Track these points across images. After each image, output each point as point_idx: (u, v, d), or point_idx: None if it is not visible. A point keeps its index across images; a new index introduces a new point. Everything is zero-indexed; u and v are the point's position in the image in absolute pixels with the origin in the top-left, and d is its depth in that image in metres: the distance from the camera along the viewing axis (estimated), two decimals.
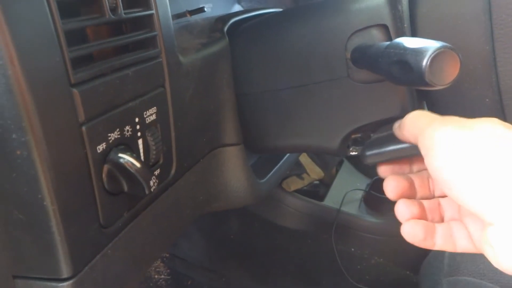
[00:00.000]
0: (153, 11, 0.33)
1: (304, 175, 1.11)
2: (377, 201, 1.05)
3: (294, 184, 1.08)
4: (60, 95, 0.25)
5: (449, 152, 0.28)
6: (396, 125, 0.40)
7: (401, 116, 0.43)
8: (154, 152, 0.34)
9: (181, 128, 0.39)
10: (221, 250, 1.13)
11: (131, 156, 0.29)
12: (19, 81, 0.23)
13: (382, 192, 1.02)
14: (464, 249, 0.35)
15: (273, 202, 1.06)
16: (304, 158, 1.10)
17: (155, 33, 0.33)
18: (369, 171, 1.22)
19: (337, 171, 1.21)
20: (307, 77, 0.44)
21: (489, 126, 0.29)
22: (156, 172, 0.36)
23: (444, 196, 0.38)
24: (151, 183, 0.30)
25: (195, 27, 0.48)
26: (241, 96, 0.49)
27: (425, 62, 0.27)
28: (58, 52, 0.25)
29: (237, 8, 0.74)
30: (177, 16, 0.48)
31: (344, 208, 1.06)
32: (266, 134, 0.49)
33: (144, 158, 0.33)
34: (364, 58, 0.38)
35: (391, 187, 0.37)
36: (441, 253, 0.72)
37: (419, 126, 0.33)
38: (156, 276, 1.17)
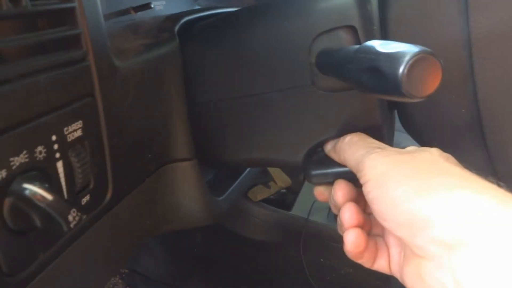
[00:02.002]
0: (75, 4, 0.27)
1: (271, 183, 1.07)
2: None
3: (261, 193, 1.03)
4: None
5: (388, 185, 0.28)
6: (329, 146, 0.38)
7: (373, 127, 0.39)
8: (80, 176, 0.28)
9: (119, 145, 0.33)
10: (184, 265, 1.06)
11: (40, 186, 0.23)
12: None
13: None
14: (381, 268, 0.34)
15: (239, 213, 1.01)
16: None
17: (78, 30, 0.27)
18: None
19: (304, 178, 1.17)
20: (268, 84, 0.40)
21: (428, 155, 0.29)
22: (85, 199, 0.29)
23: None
24: (70, 217, 0.24)
25: (141, 26, 0.42)
26: (194, 105, 0.43)
27: (401, 69, 0.23)
28: None
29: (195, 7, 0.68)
30: (119, 13, 0.41)
31: (313, 217, 1.02)
32: (223, 148, 0.44)
33: (66, 184, 0.27)
34: (331, 63, 0.34)
35: (341, 192, 0.36)
36: None
37: (357, 154, 0.32)
38: None
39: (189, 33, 0.44)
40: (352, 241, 0.33)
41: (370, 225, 0.36)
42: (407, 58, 0.23)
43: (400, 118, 0.44)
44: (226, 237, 1.03)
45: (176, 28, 0.43)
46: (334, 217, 1.17)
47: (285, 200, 1.07)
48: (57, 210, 0.23)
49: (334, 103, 0.38)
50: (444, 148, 0.41)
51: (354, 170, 0.33)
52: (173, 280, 1.07)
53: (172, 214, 0.43)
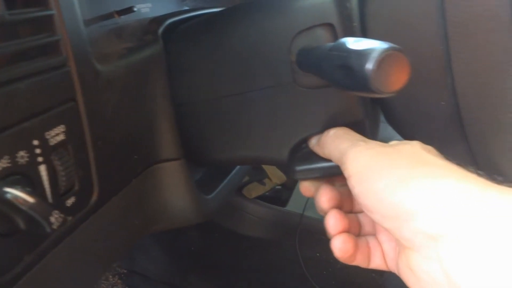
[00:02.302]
0: (53, 12, 0.27)
1: (266, 180, 1.08)
2: None
3: (256, 190, 1.04)
4: None
5: (371, 178, 0.28)
6: (313, 141, 0.38)
7: (355, 123, 0.39)
8: (64, 179, 0.29)
9: (103, 147, 0.33)
10: (182, 264, 1.07)
11: (23, 189, 0.24)
12: None
13: None
14: (377, 266, 0.34)
15: (234, 211, 1.02)
16: None
17: (57, 37, 0.28)
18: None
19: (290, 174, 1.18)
20: (250, 83, 0.40)
21: (409, 147, 0.29)
22: (70, 201, 0.30)
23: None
24: (52, 219, 0.25)
25: (125, 30, 0.43)
26: (180, 106, 0.44)
27: (369, 66, 0.24)
28: None
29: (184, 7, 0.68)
30: (103, 18, 0.42)
31: (308, 213, 1.03)
32: (209, 147, 0.45)
33: (50, 187, 0.28)
34: (309, 61, 0.34)
35: (326, 197, 0.36)
36: None
37: (341, 147, 0.32)
38: None
39: (174, 35, 0.44)
40: (339, 247, 0.33)
41: (358, 226, 0.36)
42: (375, 54, 0.24)
43: (383, 113, 0.45)
44: (222, 234, 1.04)
45: (160, 30, 0.44)
46: None
47: (280, 196, 1.08)
48: (38, 212, 0.24)
49: (315, 99, 0.38)
50: (426, 141, 0.42)
51: (338, 163, 0.33)
52: (171, 279, 1.07)
53: (161, 214, 0.44)
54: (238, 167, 0.57)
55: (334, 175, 0.37)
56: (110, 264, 0.38)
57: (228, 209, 1.02)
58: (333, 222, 0.34)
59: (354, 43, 0.26)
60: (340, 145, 0.33)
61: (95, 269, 0.35)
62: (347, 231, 0.34)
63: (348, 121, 0.39)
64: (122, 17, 0.43)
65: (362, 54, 0.24)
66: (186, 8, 0.61)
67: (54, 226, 0.25)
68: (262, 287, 1.02)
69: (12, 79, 0.25)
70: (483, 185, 0.24)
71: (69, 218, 0.30)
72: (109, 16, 0.43)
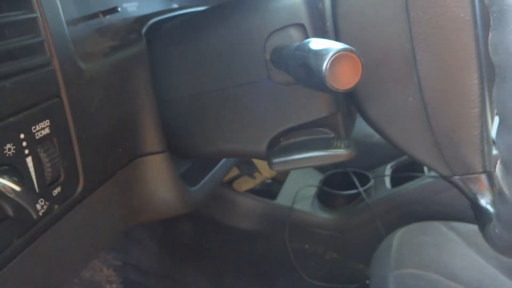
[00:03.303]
0: (37, 15, 0.30)
1: (256, 174, 1.10)
2: (329, 196, 1.05)
3: (246, 184, 1.06)
4: None
5: None
6: None
7: (329, 116, 0.42)
8: (50, 170, 0.31)
9: (88, 140, 0.36)
10: (175, 255, 1.09)
11: (10, 179, 0.26)
12: None
13: (334, 188, 1.02)
14: None
15: (225, 204, 1.04)
16: None
17: (41, 38, 0.30)
18: (322, 166, 1.22)
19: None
20: (229, 80, 0.42)
21: None
22: (56, 191, 0.33)
23: None
24: (38, 206, 0.27)
25: (109, 29, 0.45)
26: (164, 101, 0.46)
27: (325, 65, 0.26)
28: None
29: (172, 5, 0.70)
30: (88, 18, 0.44)
31: (297, 206, 1.05)
32: (192, 141, 0.47)
33: (36, 177, 0.30)
34: (280, 60, 0.37)
35: None
36: (388, 247, 0.73)
37: None
38: (107, 286, 1.12)
39: (156, 34, 0.47)
40: None
41: None
42: (330, 55, 0.26)
43: (357, 109, 0.47)
44: (214, 227, 1.06)
45: (144, 29, 0.46)
46: (318, 205, 1.19)
47: (270, 190, 1.10)
48: (25, 199, 0.26)
49: (290, 95, 0.41)
50: (396, 136, 0.44)
51: None
52: (164, 270, 1.10)
53: (146, 205, 0.46)
54: (223, 160, 0.59)
55: (308, 166, 0.40)
56: (96, 251, 0.40)
57: (220, 202, 1.05)
58: None
59: (314, 43, 0.29)
60: None
61: (82, 255, 0.38)
62: None
63: (321, 115, 0.41)
64: (107, 16, 0.45)
65: (319, 54, 0.26)
66: (174, 6, 0.63)
67: (40, 213, 0.28)
68: (252, 277, 1.05)
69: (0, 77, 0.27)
70: None
71: (56, 206, 0.32)
72: (94, 16, 0.45)
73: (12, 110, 0.28)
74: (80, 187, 0.35)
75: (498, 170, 0.27)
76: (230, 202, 1.05)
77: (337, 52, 0.26)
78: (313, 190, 1.10)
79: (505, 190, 0.26)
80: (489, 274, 0.65)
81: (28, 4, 0.29)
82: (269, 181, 1.12)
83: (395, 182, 1.00)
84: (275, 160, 0.42)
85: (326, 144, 0.41)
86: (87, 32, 0.42)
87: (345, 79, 0.26)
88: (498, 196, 0.28)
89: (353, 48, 0.27)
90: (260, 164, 1.10)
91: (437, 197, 0.89)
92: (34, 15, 0.29)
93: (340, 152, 0.39)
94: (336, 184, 1.05)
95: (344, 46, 0.26)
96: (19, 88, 0.28)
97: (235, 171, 1.06)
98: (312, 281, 1.01)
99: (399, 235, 0.74)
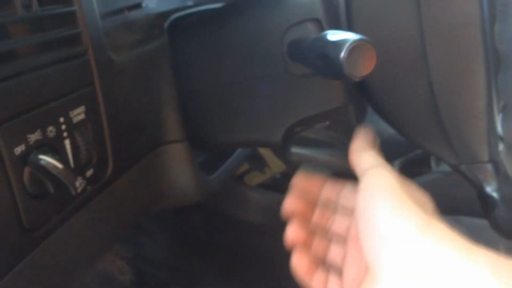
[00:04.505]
0: (75, 8, 0.32)
1: (266, 169, 1.12)
2: None
3: (256, 178, 1.08)
4: None
5: (384, 200, 0.28)
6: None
7: (341, 107, 0.44)
8: (84, 153, 0.33)
9: (117, 127, 0.38)
10: (185, 248, 1.12)
11: (53, 157, 0.29)
12: None
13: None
14: None
15: (235, 197, 1.06)
16: (265, 151, 1.11)
17: (78, 30, 0.33)
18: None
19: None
20: (248, 72, 0.45)
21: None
22: (89, 173, 0.35)
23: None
24: (77, 183, 0.30)
25: (134, 24, 0.47)
26: (185, 93, 0.48)
27: (342, 54, 0.28)
28: None
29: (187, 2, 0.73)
30: (115, 12, 0.47)
31: None
32: (211, 131, 0.49)
33: (73, 158, 0.33)
34: (297, 52, 0.39)
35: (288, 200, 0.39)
36: None
37: (364, 164, 0.34)
38: (120, 277, 1.15)
39: (178, 29, 0.49)
40: (295, 263, 0.36)
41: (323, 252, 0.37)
42: (347, 44, 0.28)
43: (369, 101, 0.49)
44: (224, 220, 1.09)
45: (166, 25, 0.48)
46: None
47: (279, 184, 1.12)
48: (66, 176, 0.29)
49: (304, 87, 0.43)
50: (407, 127, 0.46)
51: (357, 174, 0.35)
52: (175, 262, 1.13)
53: (167, 191, 0.49)
54: (237, 152, 0.62)
55: (326, 166, 0.42)
56: (122, 233, 0.43)
57: (230, 196, 1.07)
58: (291, 233, 0.38)
59: (332, 35, 0.31)
60: (363, 162, 0.35)
61: (110, 235, 0.40)
62: (304, 244, 0.37)
63: (334, 106, 0.43)
64: (132, 12, 0.48)
65: (337, 44, 0.29)
66: (189, 3, 0.66)
67: (78, 190, 0.30)
68: (260, 268, 1.07)
69: (41, 65, 0.30)
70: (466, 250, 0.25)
71: (88, 187, 0.35)
72: (120, 11, 0.47)
73: (54, 96, 0.30)
74: (109, 171, 0.38)
75: (503, 153, 0.28)
76: (240, 196, 1.07)
77: (353, 42, 0.28)
78: None
79: (510, 172, 0.28)
80: None
81: None
82: (278, 175, 1.14)
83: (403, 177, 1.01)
84: (295, 150, 0.43)
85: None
86: (114, 25, 0.44)
87: (361, 67, 0.28)
88: (503, 178, 0.30)
89: (368, 38, 0.29)
90: (269, 159, 1.13)
91: (443, 191, 0.91)
92: (72, 8, 0.32)
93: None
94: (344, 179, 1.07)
95: (359, 37, 0.29)
96: (59, 75, 0.31)
97: (245, 166, 1.08)
98: None
99: None
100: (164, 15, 0.50)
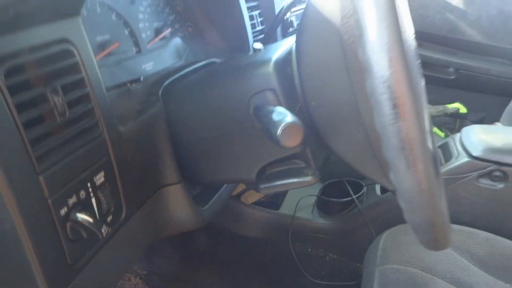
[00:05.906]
0: (93, 105, 0.45)
1: None
2: (327, 204, 1.16)
3: (252, 197, 1.19)
4: (30, 182, 0.37)
5: None
6: None
7: (299, 153, 0.56)
8: (105, 205, 0.46)
9: (127, 181, 0.51)
10: (192, 262, 1.24)
11: (86, 214, 0.42)
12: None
13: (332, 196, 1.18)
14: None
15: (235, 215, 1.17)
16: None
17: (96, 119, 0.45)
18: (322, 176, 1.34)
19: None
20: (225, 128, 0.57)
21: None
22: (109, 218, 0.48)
23: None
24: (103, 230, 0.43)
25: (134, 94, 0.61)
26: (178, 144, 0.61)
27: (278, 132, 0.41)
28: (25, 153, 0.37)
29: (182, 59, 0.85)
30: (119, 86, 0.60)
31: (299, 214, 1.16)
32: (200, 172, 0.62)
33: (97, 210, 0.46)
34: (258, 116, 0.52)
35: None
36: (376, 246, 0.85)
37: None
38: None
39: (170, 95, 0.62)
40: None
41: None
42: (282, 125, 0.41)
43: (326, 147, 0.61)
44: (225, 236, 1.20)
45: (160, 91, 0.61)
46: (317, 212, 1.32)
47: (274, 201, 1.23)
48: (95, 226, 0.42)
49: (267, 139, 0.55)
50: (353, 162, 0.58)
51: None
52: (184, 276, 1.24)
53: (169, 223, 0.61)
54: (224, 186, 0.75)
55: (285, 190, 0.54)
56: (136, 258, 0.56)
57: (230, 214, 1.18)
58: None
59: (276, 114, 0.43)
60: None
61: (127, 261, 0.53)
62: None
63: (292, 152, 0.56)
64: (133, 84, 0.61)
65: (275, 124, 0.41)
66: (180, 63, 0.79)
67: (104, 235, 0.43)
68: (261, 279, 1.18)
69: (73, 150, 0.43)
70: None
71: (109, 229, 0.48)
72: (123, 84, 0.61)
73: (83, 169, 0.43)
74: (123, 215, 0.51)
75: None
76: (239, 213, 1.18)
77: (286, 124, 0.41)
78: (312, 199, 1.21)
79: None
80: (462, 266, 0.74)
81: (81, 83, 0.44)
82: (272, 193, 1.25)
83: (385, 188, 1.11)
84: (262, 186, 0.56)
85: (299, 173, 0.55)
86: (118, 97, 0.57)
87: (291, 141, 0.41)
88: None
89: (297, 121, 0.41)
90: None
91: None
92: (91, 105, 0.45)
93: (307, 179, 0.53)
94: (333, 193, 1.15)
95: (291, 120, 0.41)
96: (85, 155, 0.44)
97: (242, 186, 1.20)
98: (315, 280, 1.12)
99: (386, 235, 0.82)
100: (158, 83, 0.63)
